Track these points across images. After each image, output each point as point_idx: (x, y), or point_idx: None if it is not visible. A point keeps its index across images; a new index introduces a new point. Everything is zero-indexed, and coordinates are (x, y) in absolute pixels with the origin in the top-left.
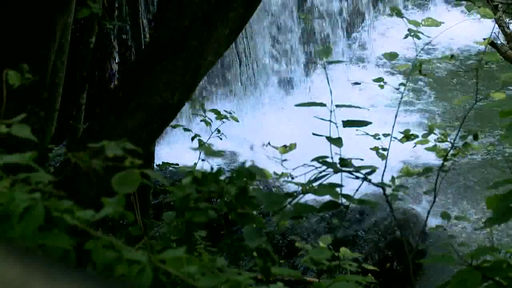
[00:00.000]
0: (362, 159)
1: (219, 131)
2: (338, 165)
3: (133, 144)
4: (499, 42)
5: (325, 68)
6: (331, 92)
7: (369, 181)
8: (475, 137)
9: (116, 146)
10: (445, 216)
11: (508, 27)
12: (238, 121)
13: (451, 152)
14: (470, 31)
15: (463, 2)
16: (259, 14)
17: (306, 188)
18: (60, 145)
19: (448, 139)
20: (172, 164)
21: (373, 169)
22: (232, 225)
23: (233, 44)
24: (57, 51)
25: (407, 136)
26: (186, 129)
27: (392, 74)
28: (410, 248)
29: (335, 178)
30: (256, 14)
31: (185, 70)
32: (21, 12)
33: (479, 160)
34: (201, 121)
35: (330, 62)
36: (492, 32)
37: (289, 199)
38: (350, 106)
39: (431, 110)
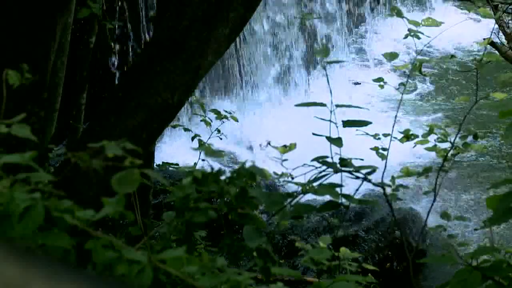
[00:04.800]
0: (362, 159)
1: (219, 131)
2: (338, 165)
3: (133, 144)
4: (499, 42)
5: (325, 68)
6: (331, 92)
7: (369, 181)
8: (475, 137)
9: (116, 146)
10: (445, 216)
11: (508, 27)
12: (237, 121)
13: (451, 152)
14: (470, 31)
15: (463, 2)
16: (259, 14)
17: (306, 188)
18: (60, 145)
19: (448, 139)
20: (172, 164)
21: (373, 169)
22: (232, 225)
23: (233, 44)
24: (57, 51)
25: (407, 136)
26: (186, 129)
27: (393, 73)
28: (410, 248)
29: (335, 178)
30: (256, 14)
31: (185, 70)
32: (21, 12)
33: (479, 160)
34: (201, 121)
35: (330, 62)
36: (492, 32)
37: (289, 199)
38: (350, 106)
39: (431, 110)
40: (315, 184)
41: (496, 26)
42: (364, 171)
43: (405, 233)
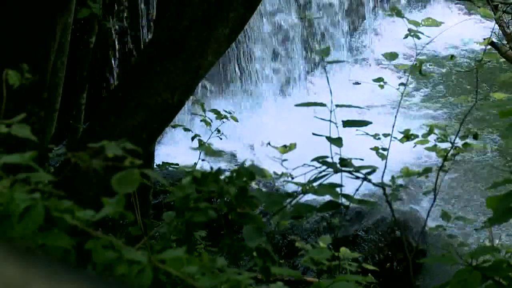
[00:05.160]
0: (362, 159)
1: (219, 131)
2: (338, 165)
3: (133, 144)
4: (499, 42)
5: (325, 68)
6: (331, 92)
7: (369, 181)
8: (475, 137)
9: (116, 146)
10: (445, 216)
11: (508, 27)
12: (237, 121)
13: (451, 152)
14: (470, 31)
15: (464, 2)
16: (259, 14)
17: (306, 188)
18: (60, 145)
19: (448, 139)
20: (172, 164)
21: (373, 169)
22: (232, 225)
23: (233, 43)
24: (57, 51)
25: (407, 136)
26: (186, 129)
27: (393, 73)
28: (410, 248)
29: (335, 178)
30: (255, 14)
31: (185, 70)
32: (21, 12)
33: (479, 160)
34: (201, 121)
35: (330, 62)
36: (492, 32)
37: (289, 199)
38: (350, 106)
39: (432, 110)
40: (315, 184)
41: (496, 26)
42: (364, 171)
43: (405, 233)
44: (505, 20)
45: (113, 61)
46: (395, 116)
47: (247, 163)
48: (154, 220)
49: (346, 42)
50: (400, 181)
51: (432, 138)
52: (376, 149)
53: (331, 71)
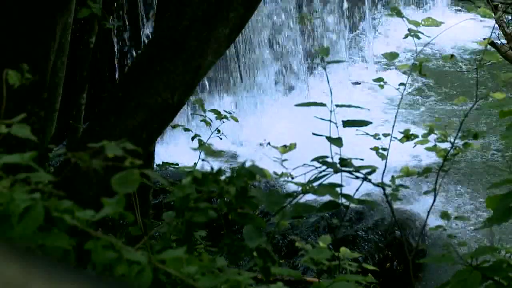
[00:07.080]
0: (362, 159)
1: (219, 131)
2: (338, 165)
3: (133, 144)
4: (499, 42)
5: (325, 68)
6: (331, 92)
7: (369, 181)
8: (475, 137)
9: (116, 146)
10: (445, 216)
11: (508, 27)
12: (237, 121)
13: (451, 152)
14: (470, 31)
15: (463, 2)
16: (258, 13)
17: (306, 188)
18: (60, 145)
19: (448, 139)
20: (172, 164)
21: (373, 169)
22: (232, 225)
23: (233, 43)
24: (57, 51)
25: (407, 136)
26: (186, 129)
27: (392, 73)
28: (410, 248)
29: (335, 178)
30: (255, 14)
31: (185, 70)
32: (21, 12)
33: (479, 160)
34: (201, 121)
35: (330, 62)
36: (492, 32)
37: (289, 199)
38: (350, 106)
39: (431, 110)
40: (315, 184)
41: (496, 26)
42: (364, 171)
43: (405, 233)
44: (505, 20)
45: (113, 61)
46: (395, 116)
47: (247, 163)
48: (154, 220)
49: (346, 42)
50: (400, 181)
51: (432, 138)
52: (376, 149)
53: (331, 71)
